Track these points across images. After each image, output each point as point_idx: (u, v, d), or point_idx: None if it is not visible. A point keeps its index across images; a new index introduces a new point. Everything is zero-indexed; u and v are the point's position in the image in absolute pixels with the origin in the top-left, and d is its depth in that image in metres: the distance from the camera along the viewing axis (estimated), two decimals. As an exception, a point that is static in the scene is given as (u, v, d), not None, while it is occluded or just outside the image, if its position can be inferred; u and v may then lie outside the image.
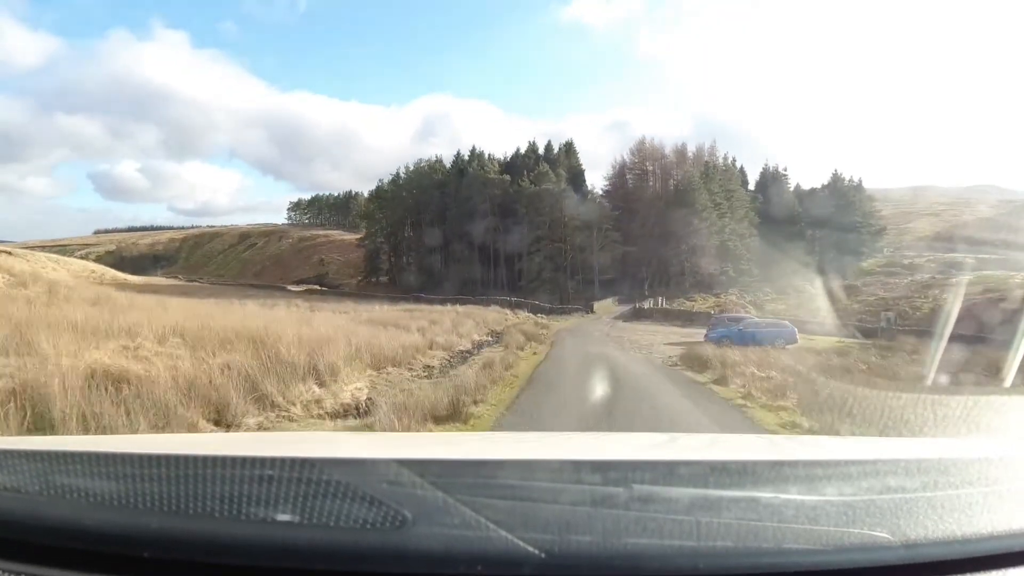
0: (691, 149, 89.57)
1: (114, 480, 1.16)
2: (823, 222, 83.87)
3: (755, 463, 1.31)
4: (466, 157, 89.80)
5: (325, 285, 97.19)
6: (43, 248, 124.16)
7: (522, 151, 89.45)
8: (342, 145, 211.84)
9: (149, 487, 1.10)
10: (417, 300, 55.52)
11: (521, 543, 0.94)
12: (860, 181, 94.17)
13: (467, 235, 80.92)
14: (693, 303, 66.55)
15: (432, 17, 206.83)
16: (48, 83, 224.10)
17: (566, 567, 0.95)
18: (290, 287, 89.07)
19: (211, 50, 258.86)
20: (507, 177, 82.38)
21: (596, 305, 62.32)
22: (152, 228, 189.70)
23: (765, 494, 1.09)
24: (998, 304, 34.33)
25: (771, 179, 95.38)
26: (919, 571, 1.00)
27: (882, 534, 0.99)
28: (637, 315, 54.43)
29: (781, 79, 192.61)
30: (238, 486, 1.08)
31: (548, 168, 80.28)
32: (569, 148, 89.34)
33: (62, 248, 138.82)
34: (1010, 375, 10.92)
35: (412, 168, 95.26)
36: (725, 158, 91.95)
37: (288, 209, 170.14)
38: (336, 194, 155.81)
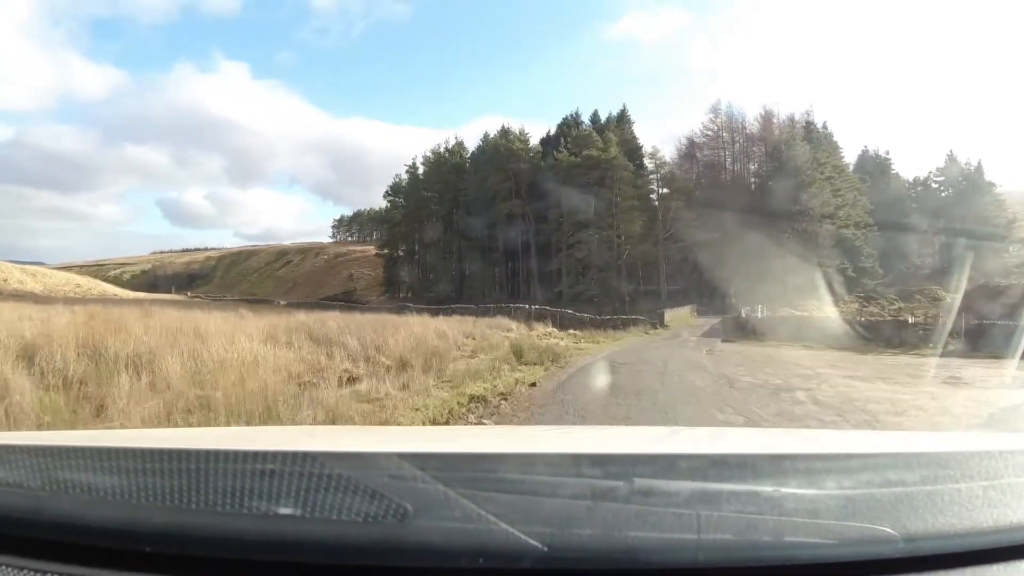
0: (780, 116, 64.69)
1: (116, 475, 1.10)
2: (942, 214, 62.01)
3: (755, 456, 1.23)
4: (493, 135, 66.84)
5: (353, 301, 78.88)
6: (80, 268, 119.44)
7: (559, 130, 65.66)
8: (398, 168, 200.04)
9: (151, 481, 1.06)
10: (401, 311, 36.58)
11: (522, 536, 0.91)
12: (980, 164, 69.48)
13: (489, 228, 58.33)
14: (806, 312, 43.11)
15: (482, 40, 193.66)
16: (116, 115, 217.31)
17: (567, 560, 0.92)
18: (281, 301, 71.71)
19: (270, 80, 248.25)
20: (538, 147, 59.08)
21: (667, 314, 38.42)
22: (205, 249, 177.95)
23: (765, 487, 1.02)
24: None
25: (872, 165, 70.53)
26: (919, 564, 0.97)
27: (882, 527, 0.95)
28: (741, 330, 31.01)
29: (855, 62, 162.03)
30: (240, 480, 1.03)
31: (591, 130, 56.57)
32: (622, 117, 64.07)
33: (98, 267, 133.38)
34: None
35: (431, 156, 73.02)
36: (824, 127, 66.88)
37: (332, 226, 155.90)
38: (378, 208, 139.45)
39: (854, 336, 24.55)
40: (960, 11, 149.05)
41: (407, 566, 0.92)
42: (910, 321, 25.16)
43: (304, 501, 0.96)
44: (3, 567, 0.99)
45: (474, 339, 18.07)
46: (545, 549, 0.89)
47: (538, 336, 25.31)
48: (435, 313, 32.27)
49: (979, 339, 19.36)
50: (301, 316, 19.58)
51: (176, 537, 0.96)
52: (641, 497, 0.96)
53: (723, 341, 26.42)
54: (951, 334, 20.58)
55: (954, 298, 26.77)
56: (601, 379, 11.62)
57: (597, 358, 16.51)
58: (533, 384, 10.94)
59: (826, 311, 41.02)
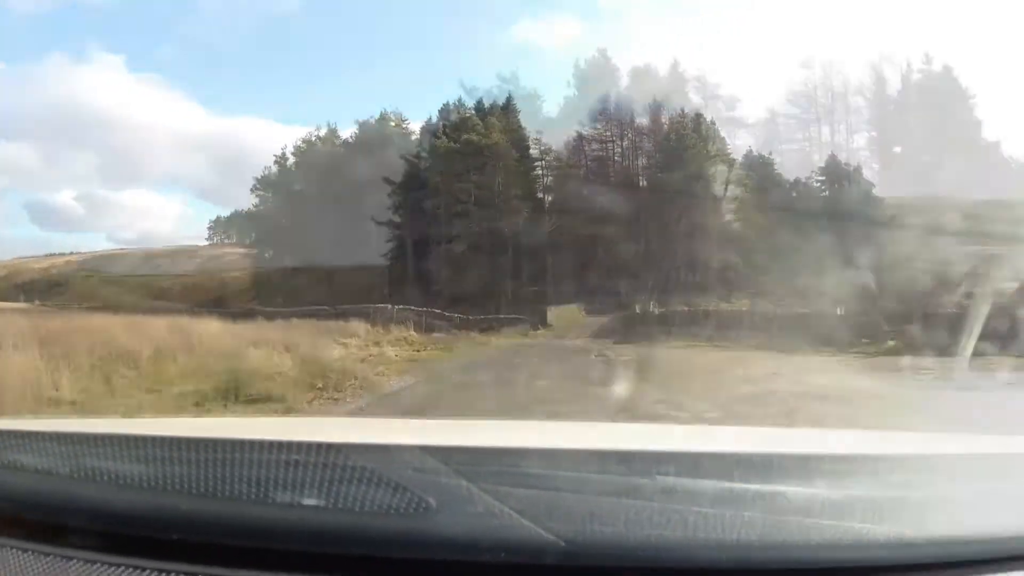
0: (670, 109, 61.97)
1: (143, 463, 1.13)
2: (824, 212, 59.53)
3: (781, 457, 1.22)
4: (373, 121, 60.36)
5: (223, 307, 70.02)
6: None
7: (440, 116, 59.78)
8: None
9: (178, 470, 1.08)
10: (249, 315, 31.90)
11: (544, 532, 0.89)
12: (859, 166, 69.96)
13: (362, 222, 51.89)
14: (703, 307, 39.57)
15: (375, 38, 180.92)
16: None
17: (589, 557, 0.90)
18: (148, 309, 62.65)
19: (150, 74, 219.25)
20: (419, 135, 53.42)
21: (551, 313, 33.58)
22: (69, 254, 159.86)
23: (791, 488, 1.01)
24: None
25: (756, 165, 69.82)
26: (948, 568, 0.95)
27: (908, 531, 0.94)
28: (636, 329, 26.48)
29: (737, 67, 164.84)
30: (265, 470, 1.05)
31: (473, 114, 51.35)
32: (508, 105, 59.03)
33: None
34: None
35: (303, 146, 65.53)
36: (713, 123, 64.92)
37: (208, 227, 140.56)
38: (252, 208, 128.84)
39: (771, 333, 20.44)
40: (835, 11, 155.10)
41: (429, 558, 0.90)
42: (839, 313, 21.22)
43: (328, 492, 0.96)
44: (31, 552, 0.98)
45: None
46: (566, 545, 0.86)
47: (390, 343, 19.66)
48: (271, 317, 26.98)
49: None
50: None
51: (202, 525, 0.96)
52: (665, 496, 0.94)
53: (617, 343, 21.77)
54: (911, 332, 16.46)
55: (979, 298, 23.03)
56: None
57: (419, 380, 10.43)
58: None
59: (723, 307, 37.70)
